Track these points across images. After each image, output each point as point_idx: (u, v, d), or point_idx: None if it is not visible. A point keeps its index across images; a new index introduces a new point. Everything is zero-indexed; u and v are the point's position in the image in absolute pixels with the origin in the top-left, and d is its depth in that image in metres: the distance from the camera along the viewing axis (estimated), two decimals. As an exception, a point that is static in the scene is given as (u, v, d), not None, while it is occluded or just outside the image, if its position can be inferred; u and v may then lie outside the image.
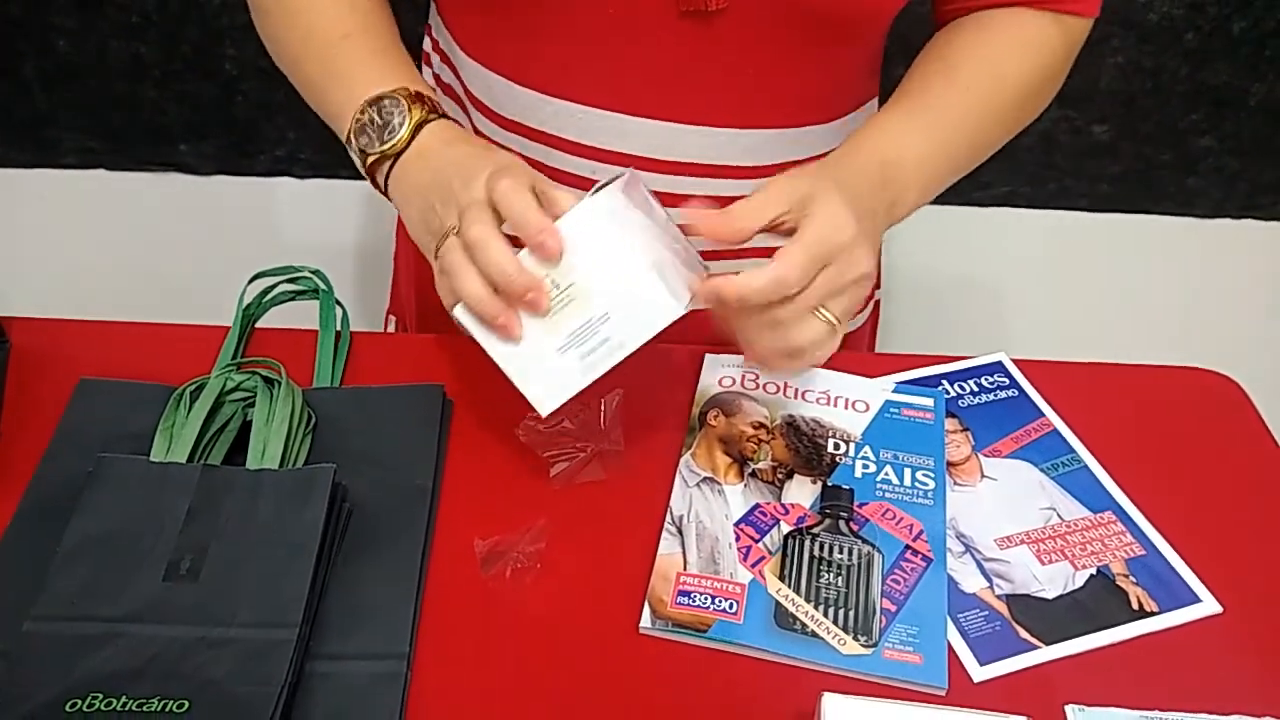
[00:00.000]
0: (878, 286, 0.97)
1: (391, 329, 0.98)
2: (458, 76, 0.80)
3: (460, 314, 0.62)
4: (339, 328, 0.79)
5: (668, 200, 0.73)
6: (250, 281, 0.80)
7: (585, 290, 0.61)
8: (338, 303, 0.80)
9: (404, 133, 0.66)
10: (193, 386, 0.70)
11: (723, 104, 0.72)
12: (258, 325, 0.80)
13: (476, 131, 0.79)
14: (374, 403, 0.73)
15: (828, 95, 0.76)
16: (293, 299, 0.81)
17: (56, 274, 1.52)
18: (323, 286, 0.80)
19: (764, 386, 0.77)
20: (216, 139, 1.43)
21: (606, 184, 0.62)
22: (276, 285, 0.80)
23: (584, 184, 0.71)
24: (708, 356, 0.79)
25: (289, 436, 0.68)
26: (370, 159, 0.67)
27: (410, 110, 0.66)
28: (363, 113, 0.67)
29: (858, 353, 0.93)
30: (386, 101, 0.67)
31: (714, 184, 0.75)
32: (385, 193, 0.69)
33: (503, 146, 0.76)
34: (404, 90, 0.67)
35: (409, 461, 0.70)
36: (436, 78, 0.84)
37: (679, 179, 0.74)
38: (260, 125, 1.41)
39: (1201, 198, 1.47)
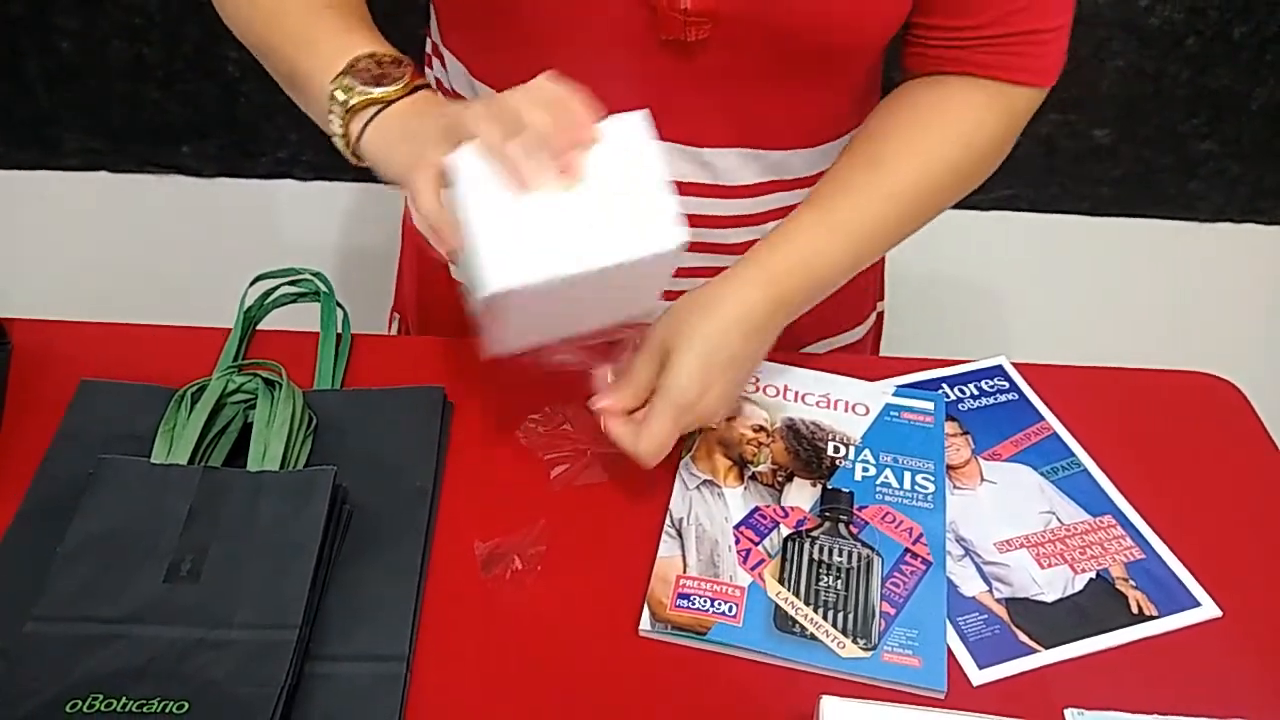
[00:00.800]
0: (881, 299, 0.97)
1: (395, 328, 0.98)
2: (447, 75, 0.80)
3: (451, 163, 0.58)
4: (340, 330, 0.79)
5: None
6: (251, 284, 0.80)
7: (599, 181, 0.57)
8: (339, 305, 0.80)
9: (400, 86, 0.64)
10: (194, 388, 0.70)
11: (707, 125, 0.72)
12: (259, 327, 0.80)
13: None
14: (375, 405, 0.73)
15: (813, 122, 0.76)
16: (294, 301, 0.81)
17: (58, 275, 1.52)
18: (324, 289, 0.80)
19: (764, 389, 0.77)
20: (218, 140, 1.43)
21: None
22: (278, 287, 0.80)
23: None
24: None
25: (290, 438, 0.68)
26: (357, 99, 0.64)
27: (409, 73, 0.65)
28: (357, 60, 0.65)
29: (858, 356, 0.93)
30: (388, 60, 0.65)
31: (697, 203, 0.75)
32: (357, 140, 0.66)
33: None
34: (406, 58, 0.66)
35: (409, 463, 0.70)
36: (438, 81, 0.84)
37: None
38: (262, 127, 1.41)
39: (1202, 202, 1.47)
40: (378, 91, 0.64)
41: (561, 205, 0.56)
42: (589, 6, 0.66)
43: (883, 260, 0.95)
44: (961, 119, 0.72)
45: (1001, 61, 0.70)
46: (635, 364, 0.68)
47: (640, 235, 0.57)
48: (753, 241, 0.80)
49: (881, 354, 0.99)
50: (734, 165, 0.74)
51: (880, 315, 0.97)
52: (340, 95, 0.65)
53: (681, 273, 0.80)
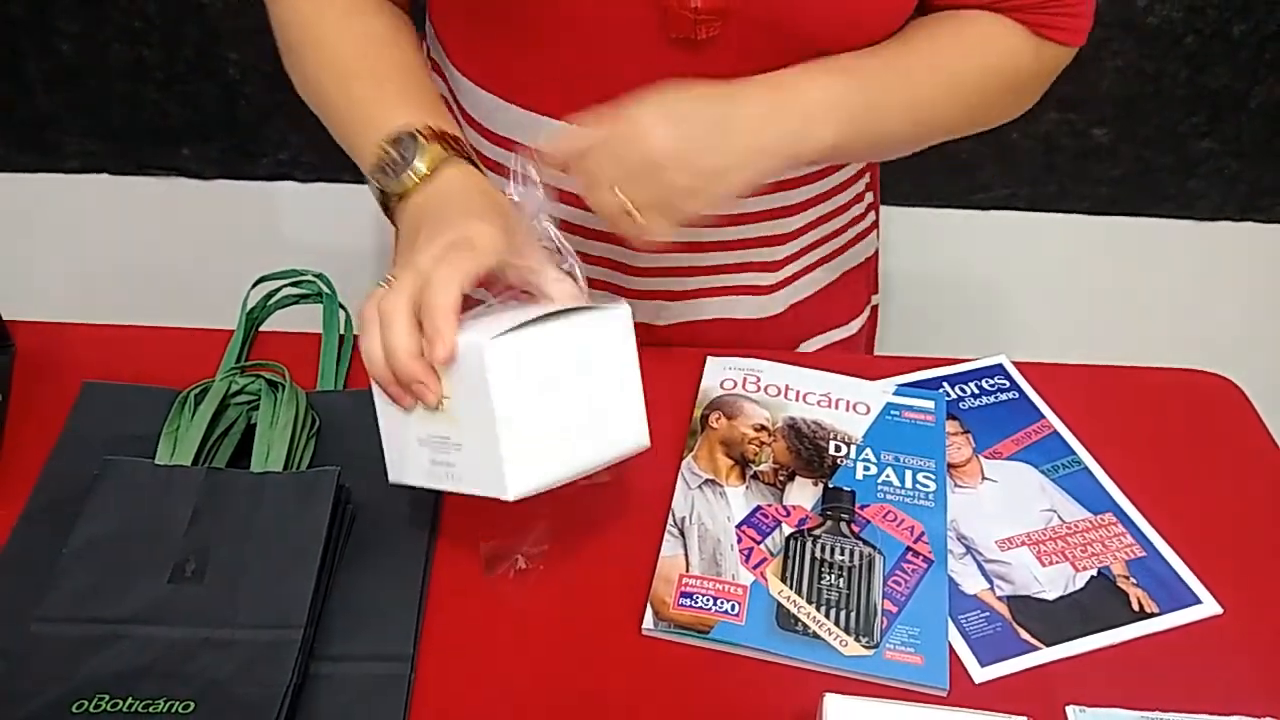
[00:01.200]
0: (875, 292, 0.97)
1: None
2: (450, 90, 0.80)
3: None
4: (342, 331, 0.79)
5: None
6: (254, 285, 0.80)
7: (457, 410, 0.57)
8: (341, 306, 0.80)
9: (423, 170, 0.63)
10: (197, 390, 0.71)
11: None
12: (261, 329, 0.80)
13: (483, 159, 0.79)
14: (377, 405, 0.73)
15: None
16: (296, 302, 0.81)
17: (60, 278, 1.52)
18: (326, 290, 0.80)
19: (765, 389, 0.77)
20: (219, 142, 1.44)
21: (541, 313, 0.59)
22: (280, 289, 0.81)
23: (578, 201, 0.70)
24: (709, 359, 0.79)
25: (293, 439, 0.68)
26: (388, 197, 0.65)
27: (428, 149, 0.63)
28: (384, 151, 0.64)
29: (858, 355, 0.94)
30: (405, 139, 0.64)
31: None
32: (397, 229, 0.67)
33: (491, 161, 0.77)
34: (426, 128, 0.64)
35: (412, 464, 0.70)
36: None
37: None
38: (262, 129, 1.41)
39: (1202, 200, 1.47)
40: (397, 187, 0.64)
41: (435, 424, 0.58)
42: (599, 6, 0.66)
43: (875, 255, 0.95)
44: (1002, 44, 0.71)
45: (1036, 20, 0.71)
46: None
47: (483, 479, 0.58)
48: (746, 240, 0.80)
49: (882, 353, 0.99)
50: None
51: (874, 309, 0.98)
52: (375, 197, 0.66)
53: (672, 271, 0.81)
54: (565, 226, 0.64)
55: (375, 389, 0.59)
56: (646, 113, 0.61)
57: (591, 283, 0.79)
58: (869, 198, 0.90)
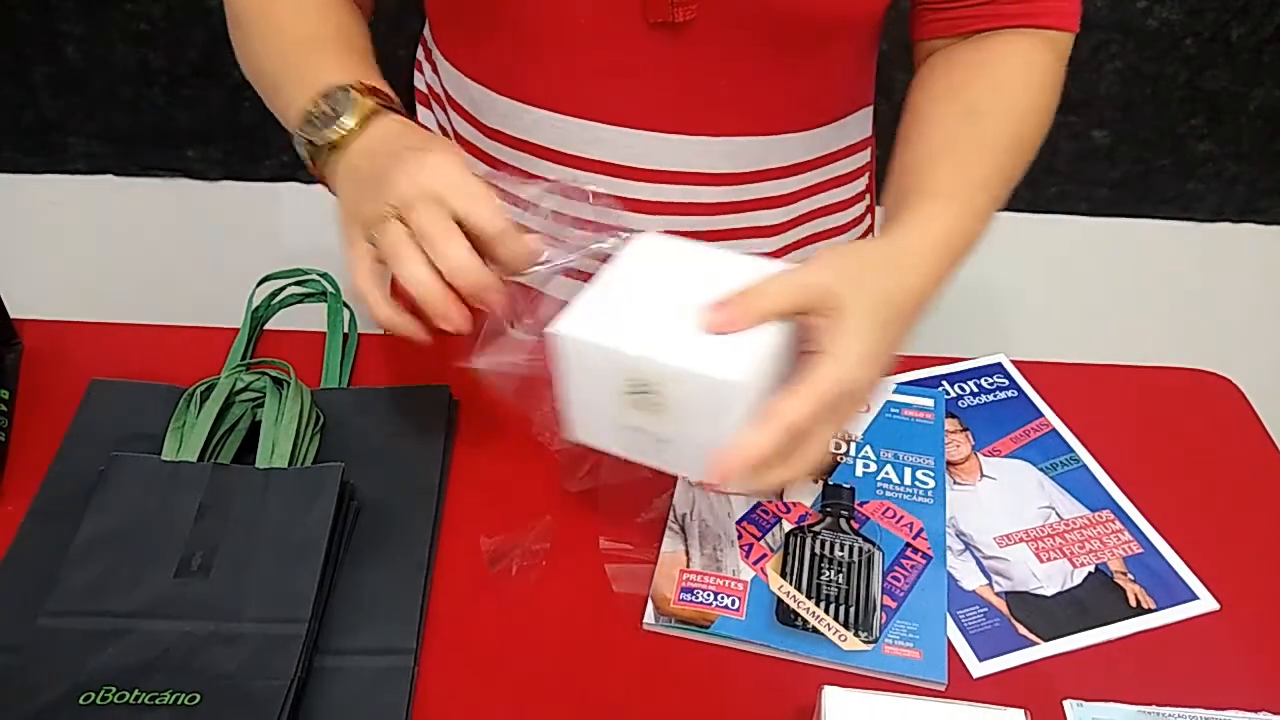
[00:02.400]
0: None
1: None
2: (440, 81, 0.80)
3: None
4: (347, 329, 0.80)
5: (649, 208, 0.74)
6: (259, 284, 0.81)
7: (676, 418, 0.56)
8: (345, 305, 0.81)
9: (351, 123, 0.61)
10: (203, 387, 0.71)
11: (698, 113, 0.71)
12: (266, 327, 0.81)
13: (458, 137, 0.79)
14: (382, 403, 0.74)
15: (808, 103, 0.75)
16: (301, 301, 0.82)
17: (67, 277, 1.53)
18: (330, 289, 0.81)
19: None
20: (223, 144, 1.44)
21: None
22: (285, 288, 0.81)
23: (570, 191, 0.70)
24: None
25: (298, 436, 0.69)
26: (314, 149, 0.63)
27: (360, 101, 0.62)
28: (314, 105, 0.62)
29: None
30: (338, 93, 0.62)
31: (693, 190, 0.74)
32: (330, 187, 0.65)
33: (484, 153, 0.77)
34: (358, 83, 0.63)
35: (416, 461, 0.70)
36: (429, 86, 0.84)
37: (659, 186, 0.74)
38: (266, 130, 1.42)
39: (1200, 202, 1.47)
40: (330, 136, 0.61)
41: (639, 417, 0.57)
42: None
43: None
44: (1026, 63, 0.70)
45: (1028, 10, 0.70)
46: (774, 291, 0.56)
47: (708, 361, 0.54)
48: (737, 230, 0.79)
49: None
50: (729, 152, 0.73)
51: None
52: (301, 150, 0.64)
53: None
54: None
55: (563, 349, 0.56)
56: (855, 366, 0.55)
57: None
58: (868, 199, 0.91)
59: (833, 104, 0.77)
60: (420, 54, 0.86)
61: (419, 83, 0.87)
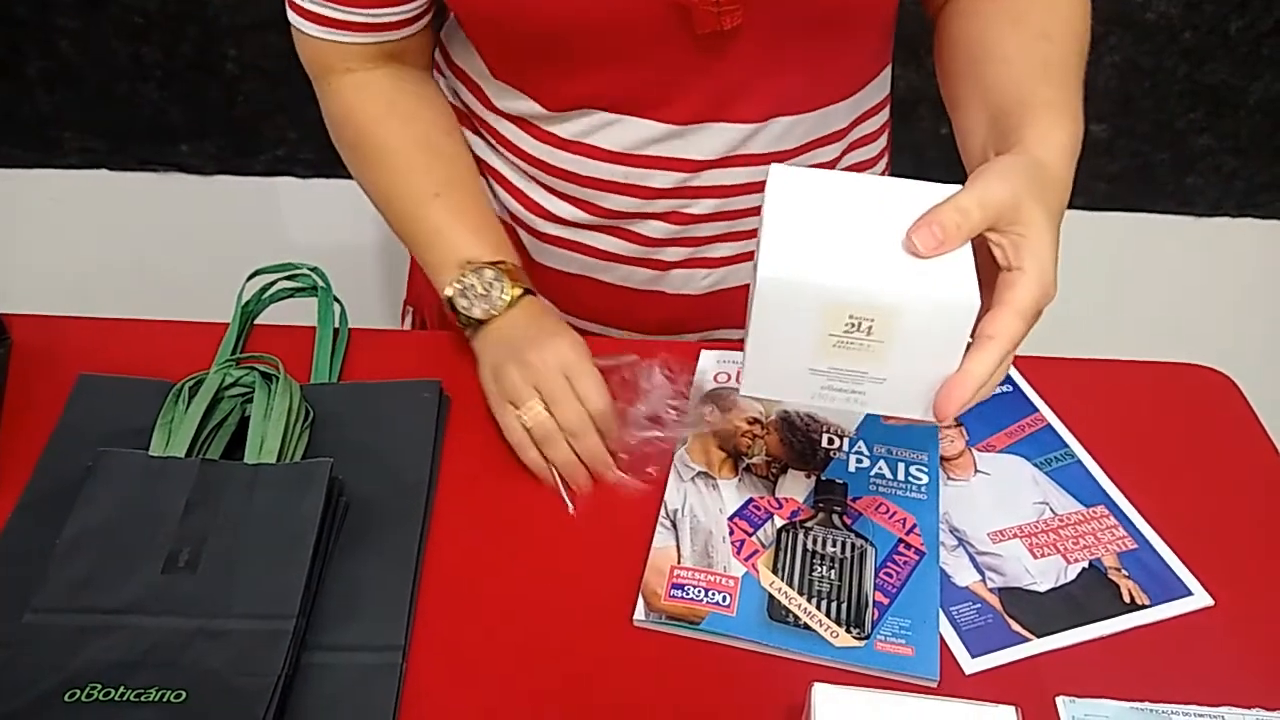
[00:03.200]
0: None
1: (408, 322, 0.98)
2: (481, 99, 0.81)
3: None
4: (337, 324, 0.80)
5: (706, 192, 0.78)
6: (249, 278, 0.80)
7: (893, 354, 0.54)
8: (336, 299, 0.80)
9: (503, 305, 0.73)
10: (191, 382, 0.71)
11: (748, 103, 0.74)
12: (257, 322, 0.81)
13: (501, 140, 0.81)
14: (371, 398, 0.73)
15: (848, 76, 0.79)
16: (291, 296, 0.82)
17: (58, 272, 1.53)
18: (321, 283, 0.81)
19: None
20: (218, 139, 1.44)
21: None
22: (275, 282, 0.81)
23: (630, 190, 0.77)
24: (703, 352, 0.79)
25: (287, 431, 0.68)
26: (469, 321, 0.74)
27: (510, 287, 0.73)
28: (464, 275, 0.73)
29: None
30: (489, 272, 0.73)
31: (746, 171, 0.77)
32: (469, 337, 0.75)
33: (539, 160, 0.79)
34: (503, 264, 0.74)
35: (406, 456, 0.70)
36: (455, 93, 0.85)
37: (715, 171, 0.77)
38: (261, 125, 1.41)
39: (1199, 196, 1.47)
40: (484, 317, 0.73)
41: (864, 238, 0.55)
42: (626, 21, 0.67)
43: None
44: None
45: None
46: (963, 205, 0.55)
47: (936, 285, 0.53)
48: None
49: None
50: (778, 133, 0.76)
51: None
52: (448, 308, 0.74)
53: (702, 241, 0.81)
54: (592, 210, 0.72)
55: (771, 294, 0.54)
56: (1051, 281, 0.58)
57: (616, 257, 0.83)
58: (887, 155, 0.91)
59: (866, 70, 0.80)
60: (438, 57, 0.86)
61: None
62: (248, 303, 0.80)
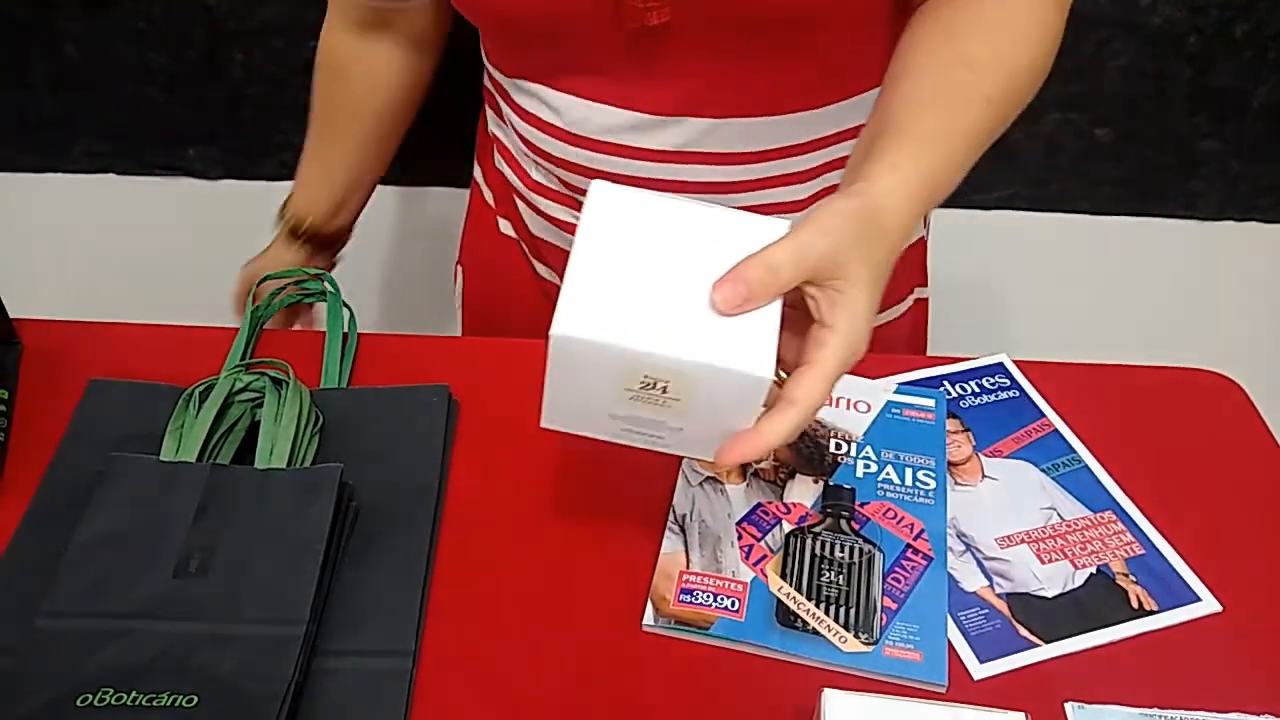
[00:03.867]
0: (921, 284, 0.96)
1: (459, 282, 1.01)
2: (510, 104, 0.84)
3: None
4: (346, 329, 0.80)
5: (671, 187, 0.77)
6: (259, 284, 0.81)
7: (690, 412, 0.54)
8: (345, 305, 0.80)
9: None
10: (201, 387, 0.71)
11: (696, 99, 0.74)
12: (266, 327, 0.81)
13: (526, 143, 0.84)
14: (381, 403, 0.74)
15: (809, 86, 0.75)
16: (300, 301, 0.82)
17: (67, 277, 1.53)
18: (330, 289, 0.81)
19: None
20: (224, 143, 1.44)
21: None
22: (285, 287, 0.81)
23: (597, 174, 0.77)
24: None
25: (296, 436, 0.69)
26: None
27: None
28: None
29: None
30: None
31: (713, 170, 0.77)
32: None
33: (544, 151, 0.82)
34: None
35: (415, 461, 0.70)
36: (497, 106, 0.88)
37: (677, 166, 0.77)
38: (267, 129, 1.41)
39: (1204, 200, 1.47)
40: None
41: (669, 288, 0.53)
42: (562, 11, 0.69)
43: (923, 243, 0.95)
44: (1028, 16, 0.66)
45: None
46: (776, 258, 0.53)
47: (729, 354, 0.52)
48: (761, 206, 0.81)
49: (886, 352, 0.99)
50: (740, 131, 0.75)
51: (921, 303, 0.97)
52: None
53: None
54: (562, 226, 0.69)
55: (565, 350, 0.53)
56: (861, 341, 0.54)
57: None
58: None
59: (839, 84, 0.78)
60: (486, 82, 0.90)
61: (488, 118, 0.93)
62: (257, 308, 0.80)
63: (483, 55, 0.87)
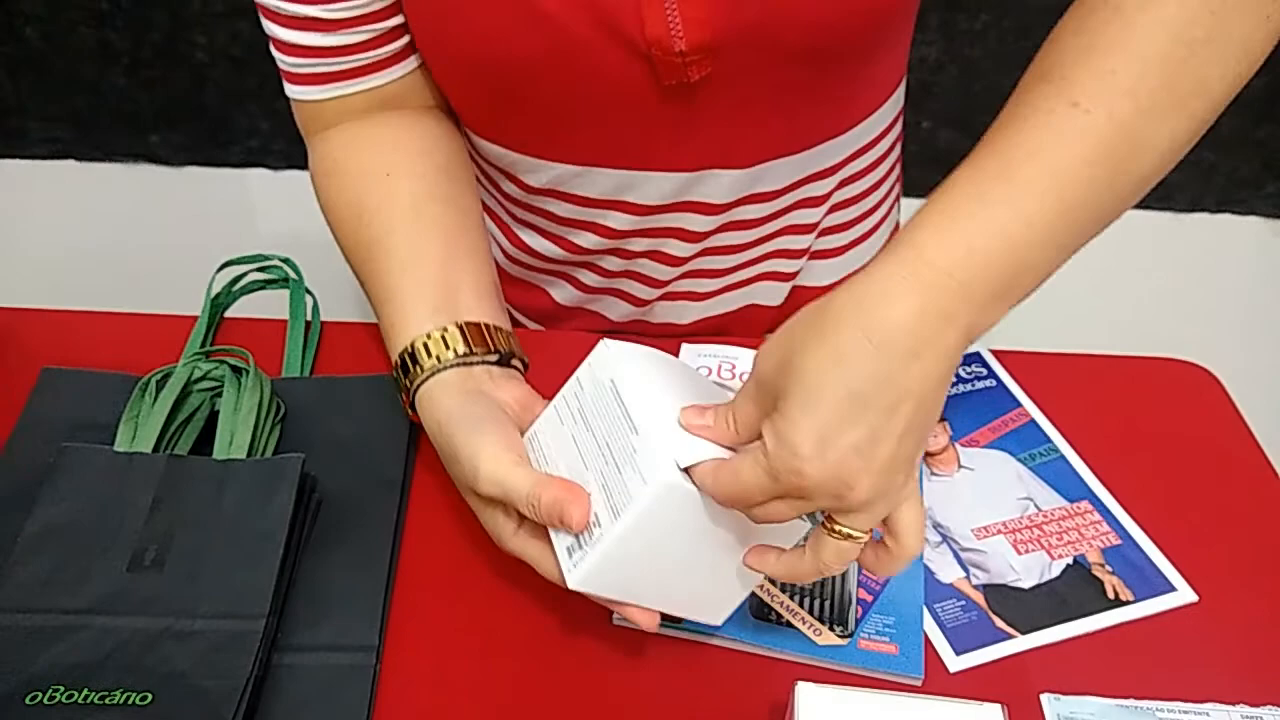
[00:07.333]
0: None
1: None
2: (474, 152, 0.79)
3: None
4: (309, 317, 0.78)
5: (693, 237, 0.76)
6: (219, 270, 0.79)
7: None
8: (308, 291, 0.78)
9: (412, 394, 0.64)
10: (158, 375, 0.69)
11: (729, 150, 0.71)
12: (227, 314, 0.79)
13: (503, 193, 0.79)
14: (344, 392, 0.72)
15: (840, 111, 0.74)
16: (262, 288, 0.80)
17: (27, 264, 1.50)
18: (292, 275, 0.79)
19: (740, 376, 0.76)
20: (188, 129, 1.41)
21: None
22: (246, 274, 0.79)
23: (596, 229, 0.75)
24: (684, 346, 0.78)
25: (257, 426, 0.67)
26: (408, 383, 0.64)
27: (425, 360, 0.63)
28: (399, 355, 0.64)
29: None
30: (416, 344, 0.63)
31: (736, 211, 0.75)
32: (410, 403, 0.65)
33: (531, 207, 0.78)
34: (424, 337, 0.63)
35: (379, 452, 0.69)
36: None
37: (701, 218, 0.75)
38: (232, 115, 1.39)
39: (1179, 192, 1.47)
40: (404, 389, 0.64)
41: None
42: (587, 71, 0.64)
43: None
44: None
45: None
46: (739, 395, 0.51)
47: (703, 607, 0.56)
48: (780, 231, 0.79)
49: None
50: (764, 174, 0.73)
51: None
52: (403, 380, 0.64)
53: (698, 274, 0.80)
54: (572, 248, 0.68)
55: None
56: (798, 447, 0.46)
57: (616, 293, 0.83)
58: (896, 170, 0.88)
59: (868, 100, 0.75)
60: None
61: None
62: (218, 295, 0.78)
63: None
